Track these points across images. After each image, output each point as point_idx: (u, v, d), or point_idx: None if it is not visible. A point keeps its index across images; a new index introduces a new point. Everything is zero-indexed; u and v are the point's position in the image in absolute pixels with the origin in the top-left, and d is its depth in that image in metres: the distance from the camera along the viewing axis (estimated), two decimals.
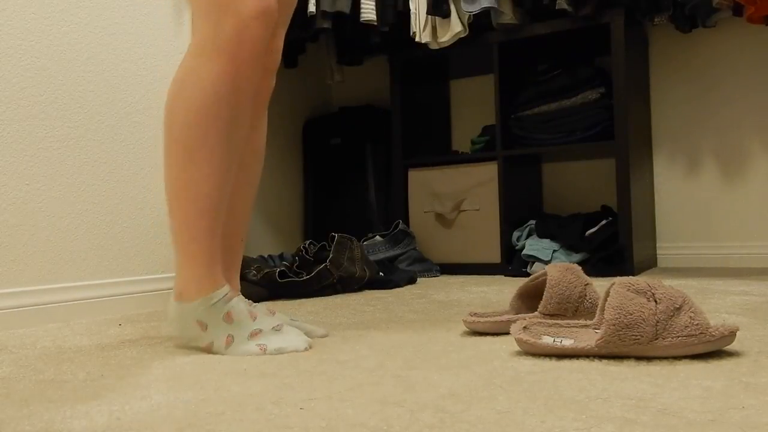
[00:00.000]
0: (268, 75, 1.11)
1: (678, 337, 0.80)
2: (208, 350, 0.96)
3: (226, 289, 0.98)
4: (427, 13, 2.31)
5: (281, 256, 2.11)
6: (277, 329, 0.97)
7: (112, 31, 1.64)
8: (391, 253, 2.32)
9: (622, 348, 0.82)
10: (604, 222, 2.17)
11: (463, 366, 0.82)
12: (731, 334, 0.81)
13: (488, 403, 0.65)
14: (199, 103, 0.93)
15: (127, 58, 1.68)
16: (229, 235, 1.09)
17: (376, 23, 2.32)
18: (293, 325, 1.07)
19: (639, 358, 0.82)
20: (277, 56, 1.11)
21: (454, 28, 2.31)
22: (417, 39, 2.37)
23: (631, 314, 0.81)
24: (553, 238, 2.21)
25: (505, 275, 2.26)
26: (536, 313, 1.02)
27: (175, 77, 0.97)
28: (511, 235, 2.34)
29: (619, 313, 0.81)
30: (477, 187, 2.40)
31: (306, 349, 0.95)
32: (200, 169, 0.95)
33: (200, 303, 0.96)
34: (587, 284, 1.03)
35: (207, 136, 0.94)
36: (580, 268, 1.06)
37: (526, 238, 2.29)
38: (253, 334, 0.96)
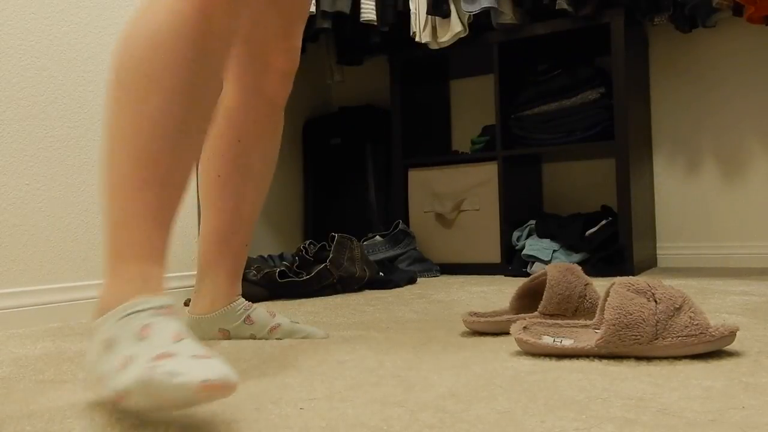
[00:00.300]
0: (285, 78, 1.06)
1: (678, 337, 0.80)
2: (104, 380, 0.63)
3: (154, 297, 0.68)
4: (427, 13, 2.31)
5: (281, 256, 2.11)
6: (197, 357, 0.58)
7: (112, 31, 1.64)
8: (391, 253, 2.32)
9: (622, 348, 0.82)
10: (604, 222, 2.17)
11: (463, 366, 0.82)
12: (731, 334, 0.81)
13: (488, 403, 0.65)
14: (154, 39, 0.72)
15: None
16: (233, 239, 1.06)
17: (376, 23, 2.32)
18: (294, 328, 1.07)
19: (639, 358, 0.82)
20: (294, 56, 1.05)
21: (454, 28, 2.31)
22: (417, 39, 2.37)
23: (631, 314, 0.81)
24: (553, 238, 2.21)
25: (505, 275, 2.26)
26: (536, 313, 1.02)
27: (128, 20, 0.76)
28: (511, 235, 2.34)
29: (619, 313, 0.81)
30: (477, 187, 2.40)
31: (216, 382, 0.54)
32: (150, 121, 0.71)
33: (115, 315, 0.66)
34: (587, 284, 1.03)
35: (161, 77, 0.71)
36: (580, 268, 1.06)
37: (526, 238, 2.29)
38: (161, 357, 0.58)
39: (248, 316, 1.06)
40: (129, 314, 0.65)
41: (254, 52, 1.04)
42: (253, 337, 1.06)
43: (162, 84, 0.71)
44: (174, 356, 0.58)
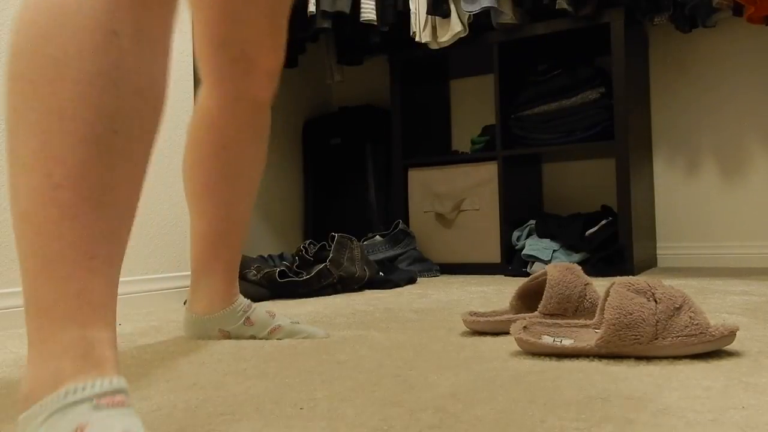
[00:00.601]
0: (271, 77, 0.98)
1: (678, 336, 0.80)
2: None
3: (97, 379, 0.49)
4: (427, 12, 2.31)
5: (281, 256, 2.11)
6: None
7: None
8: (391, 253, 2.33)
9: (622, 348, 0.82)
10: (604, 222, 2.17)
11: (463, 366, 0.82)
12: (731, 334, 0.81)
13: (488, 403, 0.65)
14: (57, 13, 0.52)
15: None
16: (226, 241, 1.02)
17: (376, 23, 2.32)
18: (295, 329, 1.07)
19: (639, 358, 0.82)
20: (281, 53, 0.97)
21: (454, 28, 2.31)
22: (417, 39, 2.37)
23: (631, 314, 0.81)
24: (553, 238, 2.21)
25: (505, 275, 2.26)
26: (536, 312, 1.02)
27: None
28: (511, 235, 2.34)
29: (619, 312, 0.81)
30: (477, 187, 2.40)
31: None
32: (62, 122, 0.51)
33: (39, 413, 0.49)
34: (587, 284, 1.03)
35: (70, 60, 0.52)
36: (580, 268, 1.06)
37: (526, 238, 2.29)
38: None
39: (248, 318, 1.05)
40: (57, 411, 0.47)
41: (235, 54, 0.94)
42: (253, 337, 1.06)
43: (73, 69, 0.52)
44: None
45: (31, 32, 0.52)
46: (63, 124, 0.50)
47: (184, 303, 1.67)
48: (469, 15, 2.27)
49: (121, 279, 1.61)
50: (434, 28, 2.37)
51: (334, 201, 2.79)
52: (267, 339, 1.05)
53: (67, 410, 0.47)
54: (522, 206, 2.44)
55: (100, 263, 0.51)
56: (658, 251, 2.47)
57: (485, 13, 2.24)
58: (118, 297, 1.58)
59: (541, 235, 2.25)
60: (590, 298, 1.02)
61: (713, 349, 0.81)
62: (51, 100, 0.51)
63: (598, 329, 0.89)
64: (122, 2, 0.54)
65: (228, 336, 1.05)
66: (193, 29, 0.97)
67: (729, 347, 0.87)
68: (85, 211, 0.51)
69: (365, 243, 2.31)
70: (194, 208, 1.03)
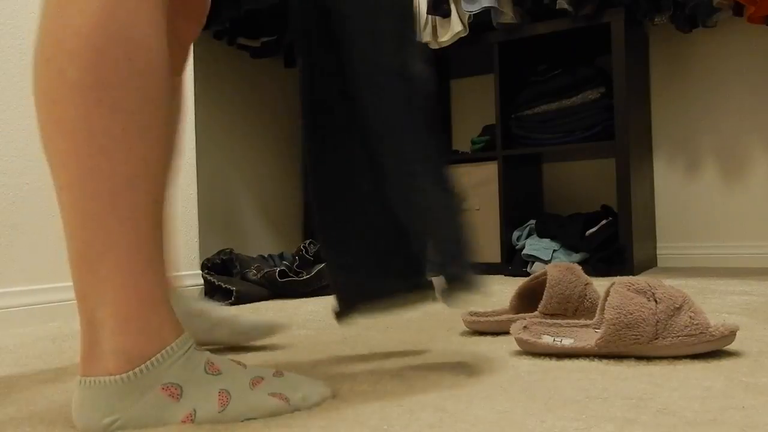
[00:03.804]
0: (198, 24, 0.91)
1: (678, 336, 0.80)
2: (188, 421, 0.61)
3: (188, 334, 0.66)
4: (428, 12, 2.31)
5: (281, 256, 2.11)
6: (278, 376, 0.68)
7: None
8: None
9: (622, 348, 0.82)
10: (604, 222, 2.17)
11: (463, 366, 0.82)
12: (731, 334, 0.81)
13: (488, 403, 0.65)
14: (147, 47, 0.62)
15: None
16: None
17: None
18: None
19: (639, 358, 0.82)
20: (198, 25, 0.91)
21: (454, 28, 2.31)
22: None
23: (631, 314, 0.81)
24: (553, 238, 2.21)
25: (505, 275, 2.26)
26: (536, 312, 1.02)
27: (92, 11, 0.60)
28: (511, 234, 2.34)
29: (619, 312, 0.81)
30: (477, 187, 2.40)
31: (332, 396, 0.69)
32: (155, 149, 0.63)
33: (167, 357, 0.62)
34: (587, 284, 1.03)
35: (160, 95, 0.64)
36: (580, 267, 1.06)
37: (526, 237, 2.29)
38: (255, 382, 0.65)
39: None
40: (182, 356, 0.63)
41: None
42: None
43: (161, 103, 0.64)
44: (265, 380, 0.66)
45: (107, 50, 0.60)
46: (156, 153, 0.63)
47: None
48: (470, 15, 2.27)
49: None
50: (434, 28, 2.37)
51: None
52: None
53: (189, 355, 0.64)
54: (522, 206, 2.44)
55: (163, 257, 0.67)
56: (658, 251, 2.47)
57: (485, 12, 2.24)
58: None
59: (541, 235, 2.25)
60: (590, 298, 1.02)
61: (713, 349, 0.81)
62: (150, 133, 0.62)
63: (598, 329, 0.89)
64: (163, 16, 0.65)
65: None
66: None
67: (729, 347, 0.87)
68: (161, 221, 0.65)
69: None
70: None
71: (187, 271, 1.77)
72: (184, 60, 0.92)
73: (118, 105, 0.60)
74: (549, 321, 0.92)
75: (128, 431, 0.60)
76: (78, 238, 0.61)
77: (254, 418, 0.63)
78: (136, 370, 0.61)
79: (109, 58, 0.59)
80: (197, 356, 0.64)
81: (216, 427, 0.60)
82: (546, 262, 2.14)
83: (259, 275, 1.76)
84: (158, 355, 0.62)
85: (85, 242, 0.61)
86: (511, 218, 2.34)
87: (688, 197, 2.42)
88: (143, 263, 0.62)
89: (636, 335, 0.81)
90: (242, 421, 0.62)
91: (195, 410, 0.62)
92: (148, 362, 0.61)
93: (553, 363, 0.82)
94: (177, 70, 0.92)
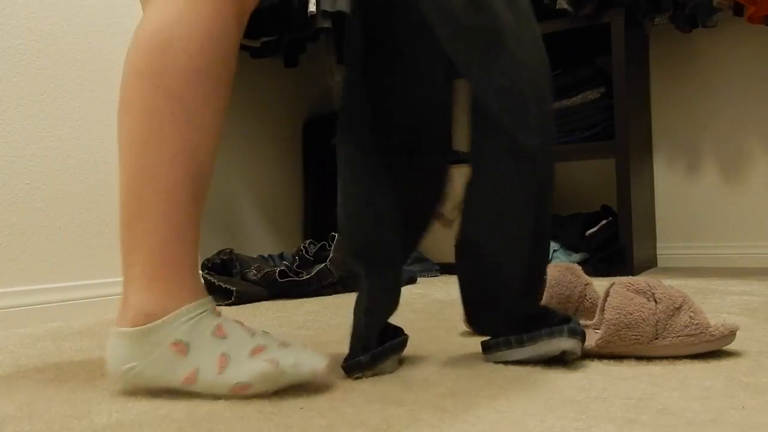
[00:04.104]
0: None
1: (678, 336, 0.80)
2: (190, 382, 0.69)
3: (210, 299, 0.74)
4: None
5: (281, 256, 2.11)
6: (283, 345, 0.73)
7: (112, 31, 1.64)
8: None
9: (622, 348, 0.82)
10: (604, 222, 2.17)
11: (463, 366, 0.82)
12: (731, 334, 0.81)
13: (488, 403, 0.65)
14: (207, 48, 0.72)
15: None
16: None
17: None
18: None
19: (639, 358, 0.82)
20: None
21: None
22: None
23: (631, 314, 0.81)
24: (553, 238, 2.21)
25: None
26: None
27: (164, 15, 0.72)
28: None
29: (619, 313, 0.81)
30: None
31: (325, 369, 0.71)
32: (199, 134, 0.72)
33: (180, 316, 0.70)
34: (587, 284, 1.03)
35: (213, 89, 0.73)
36: (580, 268, 1.06)
37: None
38: (256, 350, 0.70)
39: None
40: (193, 317, 0.70)
41: None
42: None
43: (213, 95, 0.73)
44: (267, 349, 0.70)
45: (177, 59, 0.70)
46: (201, 137, 0.72)
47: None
48: None
49: (122, 279, 1.61)
50: None
51: (334, 201, 2.78)
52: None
53: (201, 318, 0.70)
54: None
55: (198, 233, 0.74)
56: (658, 251, 2.47)
57: None
58: (119, 296, 1.58)
59: None
60: (590, 298, 1.02)
61: (713, 349, 0.81)
62: (197, 118, 0.71)
63: (598, 329, 0.89)
64: (238, 33, 0.77)
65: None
66: None
67: (729, 347, 0.87)
68: (200, 200, 0.73)
69: None
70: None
71: None
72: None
73: (171, 92, 0.70)
74: None
75: (143, 377, 0.69)
76: (124, 202, 0.71)
77: (246, 382, 0.67)
78: (151, 324, 0.69)
79: (170, 53, 0.70)
80: (208, 319, 0.71)
81: (216, 427, 0.60)
82: None
83: (259, 275, 1.76)
84: (171, 314, 0.69)
85: (128, 206, 0.71)
86: None
87: (688, 197, 2.42)
88: (173, 232, 0.70)
89: (636, 335, 0.81)
90: (240, 421, 0.62)
91: (198, 369, 0.68)
92: (160, 319, 0.69)
93: (553, 364, 0.82)
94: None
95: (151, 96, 0.70)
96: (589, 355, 0.84)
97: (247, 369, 0.68)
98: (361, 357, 0.77)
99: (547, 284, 1.02)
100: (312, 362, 0.70)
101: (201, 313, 0.71)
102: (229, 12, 0.74)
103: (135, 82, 0.71)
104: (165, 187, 0.70)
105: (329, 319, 1.33)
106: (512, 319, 0.83)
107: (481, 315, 0.88)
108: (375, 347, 0.79)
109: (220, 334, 0.70)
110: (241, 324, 0.74)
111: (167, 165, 0.70)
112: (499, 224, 0.81)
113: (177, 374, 0.69)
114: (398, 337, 0.85)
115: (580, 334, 0.77)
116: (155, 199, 0.70)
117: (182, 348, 0.68)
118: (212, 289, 1.72)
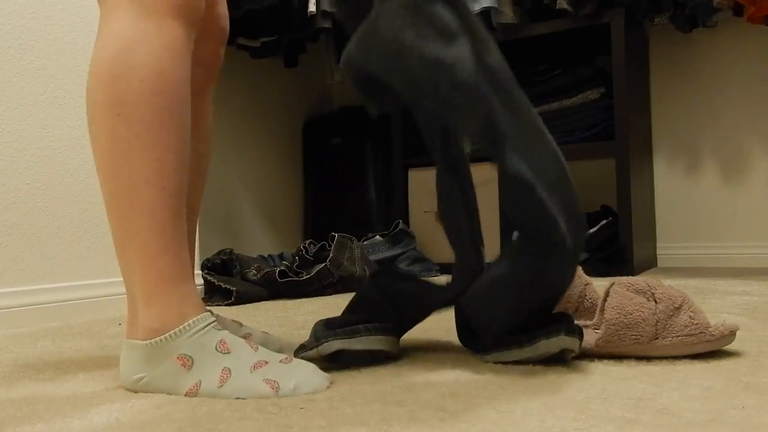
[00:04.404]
0: (219, 46, 0.98)
1: (678, 336, 0.80)
2: (193, 394, 0.72)
3: (208, 314, 0.77)
4: None
5: (281, 256, 2.11)
6: (285, 362, 0.74)
7: None
8: (391, 252, 2.33)
9: (622, 348, 0.82)
10: (604, 222, 2.17)
11: (463, 366, 0.82)
12: (731, 334, 0.81)
13: (488, 403, 0.65)
14: (158, 70, 0.75)
15: None
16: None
17: None
18: (267, 338, 0.97)
19: (639, 358, 0.82)
20: (225, 23, 0.99)
21: None
22: None
23: (631, 314, 0.81)
24: None
25: None
26: None
27: (113, 45, 0.75)
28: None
29: (618, 313, 0.81)
30: (477, 187, 2.39)
31: (326, 388, 0.73)
32: (168, 151, 0.75)
33: (185, 331, 0.74)
34: (587, 284, 1.03)
35: (172, 107, 0.76)
36: (580, 268, 1.05)
37: None
38: (258, 365, 0.73)
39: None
40: (197, 332, 0.74)
41: None
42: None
43: (174, 113, 0.76)
44: (269, 364, 0.73)
45: (132, 84, 0.74)
46: (172, 157, 0.75)
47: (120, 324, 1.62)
48: None
49: (121, 279, 1.61)
50: None
51: (334, 201, 2.79)
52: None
53: (204, 332, 0.74)
54: None
55: (187, 243, 0.78)
56: (658, 251, 2.47)
57: (485, 13, 2.24)
58: (119, 296, 1.58)
59: None
60: (590, 298, 1.01)
61: (713, 349, 0.81)
62: (162, 138, 0.74)
63: (598, 329, 0.89)
64: (189, 45, 0.79)
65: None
66: None
67: (729, 347, 0.87)
68: (182, 213, 0.76)
69: (365, 243, 2.31)
70: None
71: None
72: (207, 81, 0.98)
73: (132, 118, 0.73)
74: None
75: (150, 387, 0.74)
76: (112, 226, 0.75)
77: (244, 398, 0.70)
78: (157, 339, 0.73)
79: (124, 80, 0.74)
80: (212, 334, 0.75)
81: (216, 427, 0.60)
82: None
83: (259, 275, 1.76)
84: (176, 329, 0.73)
85: (116, 230, 0.75)
86: None
87: (688, 197, 2.42)
88: (162, 247, 0.74)
89: (636, 335, 0.80)
90: (238, 417, 0.62)
91: (201, 381, 0.72)
92: (167, 334, 0.73)
93: (552, 363, 0.82)
94: (201, 92, 0.97)
95: (113, 123, 0.74)
96: (589, 355, 0.84)
97: (247, 387, 0.71)
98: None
99: None
100: (313, 383, 0.72)
101: (205, 327, 0.75)
102: (175, 31, 0.76)
103: (96, 112, 0.75)
104: (145, 206, 0.74)
105: None
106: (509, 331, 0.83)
107: (475, 341, 0.89)
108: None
109: (223, 348, 0.74)
110: (246, 339, 0.78)
111: (143, 185, 0.74)
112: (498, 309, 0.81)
113: (181, 386, 0.72)
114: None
115: (577, 332, 0.78)
116: (139, 219, 0.74)
117: (186, 362, 0.73)
118: (212, 289, 1.72)
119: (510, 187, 0.79)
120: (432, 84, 0.77)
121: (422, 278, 0.90)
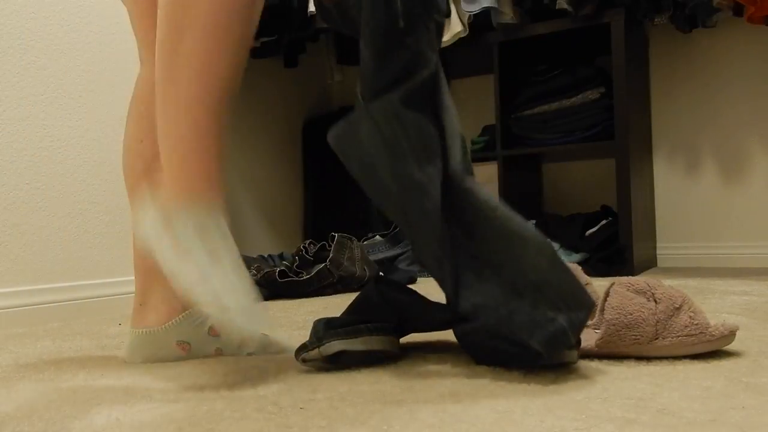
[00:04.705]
0: None
1: (678, 336, 0.80)
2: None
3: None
4: None
5: (281, 256, 2.11)
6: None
7: (112, 31, 1.64)
8: (391, 252, 2.33)
9: (622, 348, 0.82)
10: (604, 222, 2.17)
11: (463, 366, 0.82)
12: (731, 334, 0.81)
13: (488, 403, 0.65)
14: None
15: (128, 57, 1.68)
16: None
17: None
18: (267, 340, 0.96)
19: (639, 358, 0.82)
20: None
21: (454, 28, 2.31)
22: None
23: (631, 314, 0.81)
24: (553, 238, 2.21)
25: None
26: None
27: None
28: None
29: (619, 313, 0.81)
30: None
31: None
32: (228, 50, 0.87)
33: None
34: (587, 284, 1.03)
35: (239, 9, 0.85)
36: (580, 268, 1.05)
37: None
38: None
39: (212, 326, 0.92)
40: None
41: None
42: (219, 352, 0.93)
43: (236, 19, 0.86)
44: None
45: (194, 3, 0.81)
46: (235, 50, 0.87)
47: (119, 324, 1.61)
48: (469, 15, 2.26)
49: (121, 279, 1.61)
50: None
51: (334, 201, 2.79)
52: (236, 354, 0.93)
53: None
54: (522, 206, 2.43)
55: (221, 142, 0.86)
56: (658, 251, 2.47)
57: (485, 13, 2.24)
58: (119, 296, 1.58)
59: None
60: None
61: (713, 349, 0.81)
62: (230, 31, 0.85)
63: (598, 329, 0.89)
64: None
65: (189, 350, 0.91)
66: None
67: (729, 347, 0.87)
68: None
69: (365, 243, 2.31)
70: (136, 198, 0.96)
71: None
72: None
73: (190, 27, 0.80)
74: None
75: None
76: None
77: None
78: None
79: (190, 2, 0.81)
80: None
81: (216, 427, 0.60)
82: None
83: (259, 275, 1.76)
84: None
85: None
86: None
87: (688, 197, 2.42)
88: (193, 142, 0.84)
89: (636, 335, 0.80)
90: (239, 421, 0.62)
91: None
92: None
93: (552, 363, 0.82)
94: None
95: (174, 32, 0.81)
96: (589, 355, 0.84)
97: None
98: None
99: None
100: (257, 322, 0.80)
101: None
102: None
103: (164, 22, 0.82)
104: (189, 117, 0.82)
105: None
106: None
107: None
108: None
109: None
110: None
111: (188, 108, 0.82)
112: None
113: (182, 271, 0.77)
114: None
115: (576, 344, 0.77)
116: (182, 127, 0.82)
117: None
118: None
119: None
120: (400, 207, 0.80)
121: (424, 298, 0.89)
